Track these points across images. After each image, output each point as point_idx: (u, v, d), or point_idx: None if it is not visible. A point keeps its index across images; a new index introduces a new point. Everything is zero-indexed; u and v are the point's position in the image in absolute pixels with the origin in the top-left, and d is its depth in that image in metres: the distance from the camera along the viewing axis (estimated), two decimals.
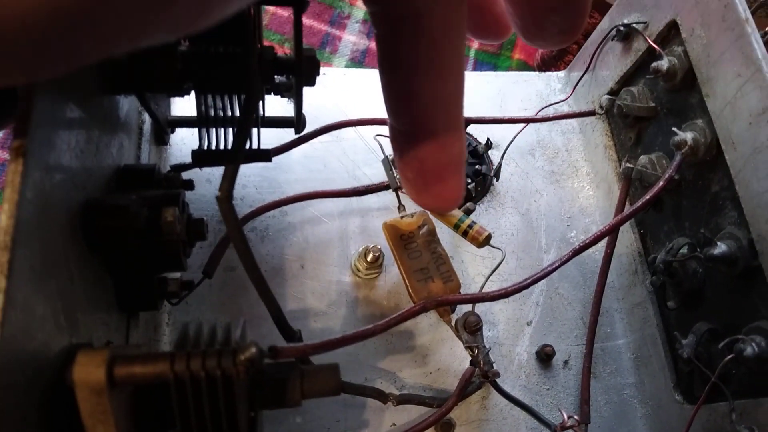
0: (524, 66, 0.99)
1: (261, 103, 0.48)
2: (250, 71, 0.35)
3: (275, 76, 0.46)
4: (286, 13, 0.94)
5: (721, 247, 0.43)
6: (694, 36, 0.47)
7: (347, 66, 0.91)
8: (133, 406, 0.31)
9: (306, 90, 0.61)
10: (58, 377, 0.29)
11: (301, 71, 0.43)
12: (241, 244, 0.37)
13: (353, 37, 0.98)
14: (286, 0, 0.40)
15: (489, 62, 0.99)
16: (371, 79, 0.65)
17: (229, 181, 0.35)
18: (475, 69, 0.96)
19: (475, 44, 1.01)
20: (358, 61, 0.95)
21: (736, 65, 0.43)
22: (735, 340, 0.42)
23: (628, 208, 0.49)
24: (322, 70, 0.66)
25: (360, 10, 0.99)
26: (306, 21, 0.97)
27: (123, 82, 0.41)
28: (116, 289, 0.41)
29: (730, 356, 0.42)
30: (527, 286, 0.44)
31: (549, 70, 0.77)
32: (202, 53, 0.41)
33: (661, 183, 0.46)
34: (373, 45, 0.96)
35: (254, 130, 0.48)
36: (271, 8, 0.94)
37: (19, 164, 0.27)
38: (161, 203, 0.38)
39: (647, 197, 0.46)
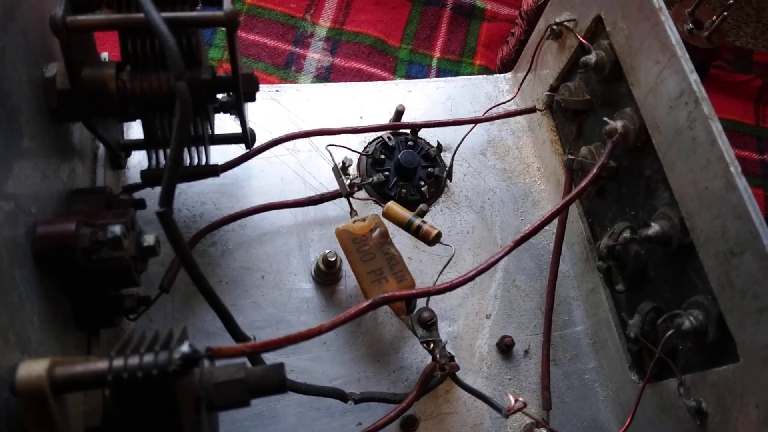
0: (486, 71, 1.01)
1: (209, 121, 0.49)
2: (179, 91, 0.36)
3: (218, 95, 0.48)
4: (251, 36, 0.97)
5: (654, 228, 0.45)
6: (616, 28, 0.49)
7: (312, 83, 0.93)
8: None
9: (261, 107, 0.64)
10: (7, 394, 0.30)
11: (239, 88, 0.45)
12: (184, 255, 0.39)
13: (317, 54, 1.00)
14: (219, 22, 0.42)
15: (451, 70, 1.01)
16: (324, 93, 0.67)
17: (166, 195, 0.37)
18: (438, 76, 0.98)
19: (437, 53, 1.03)
20: (323, 77, 0.97)
21: (654, 53, 0.45)
22: (674, 315, 0.44)
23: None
24: (275, 86, 0.69)
25: (323, 28, 1.02)
26: (270, 42, 0.99)
27: (68, 109, 0.43)
28: (72, 308, 0.42)
29: (671, 332, 0.44)
30: (472, 278, 0.45)
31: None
32: (142, 77, 0.43)
33: (595, 170, 0.48)
34: (337, 61, 0.98)
35: (203, 148, 0.50)
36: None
37: None
38: (108, 222, 0.40)
39: (582, 185, 0.47)
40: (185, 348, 0.30)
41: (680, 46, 0.43)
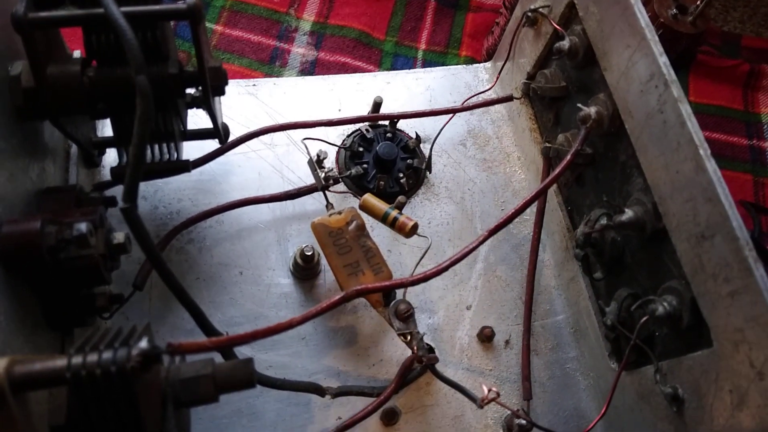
0: (473, 62, 1.00)
1: (179, 116, 0.49)
2: (139, 84, 0.36)
3: (188, 89, 0.47)
4: (234, 31, 0.96)
5: (628, 213, 0.45)
6: (588, 13, 0.49)
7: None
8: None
9: (237, 101, 0.63)
10: None
11: (206, 82, 0.45)
12: (150, 251, 0.38)
13: (302, 49, 1.00)
14: (181, 14, 0.41)
15: (437, 62, 1.00)
16: (302, 86, 0.66)
17: (129, 190, 0.37)
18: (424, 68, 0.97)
19: (423, 45, 1.02)
20: (308, 72, 0.96)
21: (625, 37, 0.45)
22: (647, 302, 0.43)
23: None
24: (252, 80, 0.68)
25: (307, 23, 1.01)
26: (254, 37, 0.99)
27: (34, 108, 0.43)
28: (43, 308, 0.42)
29: (645, 318, 0.43)
30: (447, 268, 0.45)
31: None
32: (108, 73, 0.43)
33: (569, 157, 0.47)
34: (321, 55, 0.97)
35: (174, 144, 0.50)
36: (219, 28, 0.96)
37: None
38: (75, 220, 0.39)
39: (556, 172, 0.47)
40: (144, 344, 0.30)
41: (650, 29, 0.43)
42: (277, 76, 0.93)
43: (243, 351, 0.51)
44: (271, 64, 0.96)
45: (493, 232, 0.46)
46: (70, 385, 0.30)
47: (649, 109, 0.43)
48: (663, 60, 0.41)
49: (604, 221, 0.49)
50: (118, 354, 0.30)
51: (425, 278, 0.45)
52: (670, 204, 0.42)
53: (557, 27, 0.52)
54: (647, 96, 0.43)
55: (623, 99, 0.46)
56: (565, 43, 0.50)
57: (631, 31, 0.44)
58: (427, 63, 1.00)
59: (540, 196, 0.52)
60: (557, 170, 0.47)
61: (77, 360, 0.30)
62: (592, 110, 0.48)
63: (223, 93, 0.47)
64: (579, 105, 0.49)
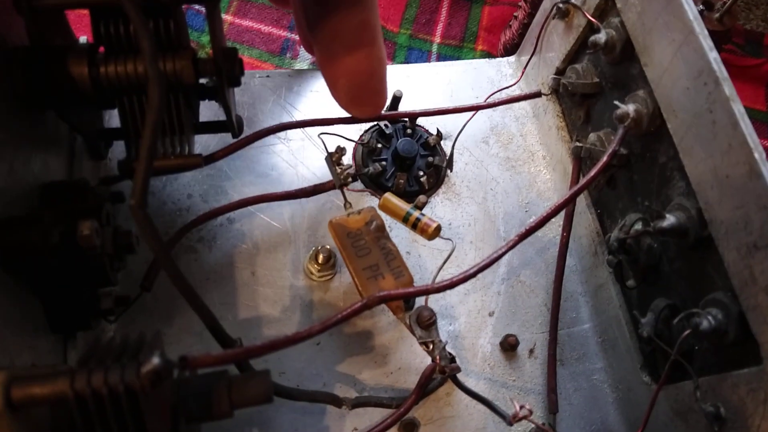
0: (489, 57, 0.97)
1: (191, 108, 0.46)
2: (152, 71, 0.33)
3: (201, 80, 0.44)
4: (244, 22, 0.93)
5: (670, 219, 0.42)
6: (628, 5, 0.46)
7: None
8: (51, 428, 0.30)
9: (252, 93, 0.60)
10: None
11: (222, 70, 0.42)
12: (161, 252, 0.36)
13: None
14: None
15: (452, 56, 0.97)
16: (317, 78, 0.63)
17: (140, 187, 0.34)
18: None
19: (437, 38, 0.99)
20: None
21: (670, 30, 0.42)
22: (690, 315, 0.41)
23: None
24: (266, 72, 0.65)
25: None
26: (264, 28, 0.96)
27: (37, 96, 0.40)
28: (45, 311, 0.39)
29: (687, 332, 0.41)
30: (474, 275, 0.42)
31: None
32: (116, 60, 0.40)
33: (605, 158, 0.45)
34: None
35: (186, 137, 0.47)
36: (228, 18, 0.93)
37: None
38: (79, 217, 0.37)
39: (591, 174, 0.44)
40: (156, 360, 0.27)
41: (698, 21, 0.40)
42: (287, 69, 0.90)
43: None
44: (281, 55, 0.93)
45: (523, 237, 0.43)
46: (73, 406, 0.27)
47: (697, 108, 0.40)
48: (713, 55, 0.38)
49: (640, 226, 0.47)
50: (127, 372, 0.27)
51: (451, 285, 0.42)
52: (718, 211, 0.39)
53: (592, 19, 0.49)
54: (694, 94, 0.40)
55: (666, 96, 0.43)
56: (602, 37, 0.47)
57: (677, 24, 0.41)
58: (442, 57, 0.97)
59: (574, 199, 0.49)
60: (593, 171, 0.44)
61: (81, 377, 0.27)
62: (630, 108, 0.45)
63: (238, 83, 0.44)
64: (616, 102, 0.46)
